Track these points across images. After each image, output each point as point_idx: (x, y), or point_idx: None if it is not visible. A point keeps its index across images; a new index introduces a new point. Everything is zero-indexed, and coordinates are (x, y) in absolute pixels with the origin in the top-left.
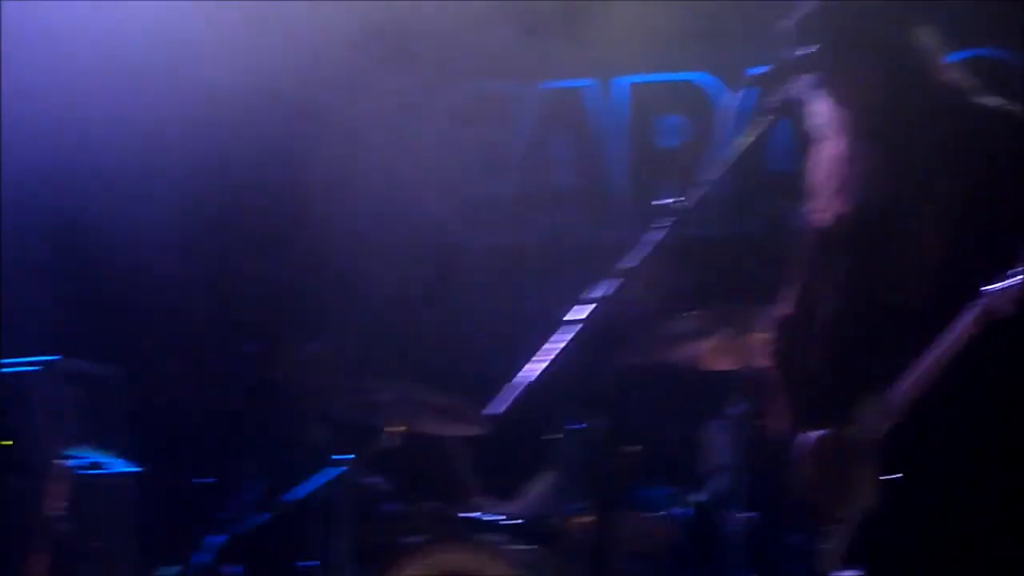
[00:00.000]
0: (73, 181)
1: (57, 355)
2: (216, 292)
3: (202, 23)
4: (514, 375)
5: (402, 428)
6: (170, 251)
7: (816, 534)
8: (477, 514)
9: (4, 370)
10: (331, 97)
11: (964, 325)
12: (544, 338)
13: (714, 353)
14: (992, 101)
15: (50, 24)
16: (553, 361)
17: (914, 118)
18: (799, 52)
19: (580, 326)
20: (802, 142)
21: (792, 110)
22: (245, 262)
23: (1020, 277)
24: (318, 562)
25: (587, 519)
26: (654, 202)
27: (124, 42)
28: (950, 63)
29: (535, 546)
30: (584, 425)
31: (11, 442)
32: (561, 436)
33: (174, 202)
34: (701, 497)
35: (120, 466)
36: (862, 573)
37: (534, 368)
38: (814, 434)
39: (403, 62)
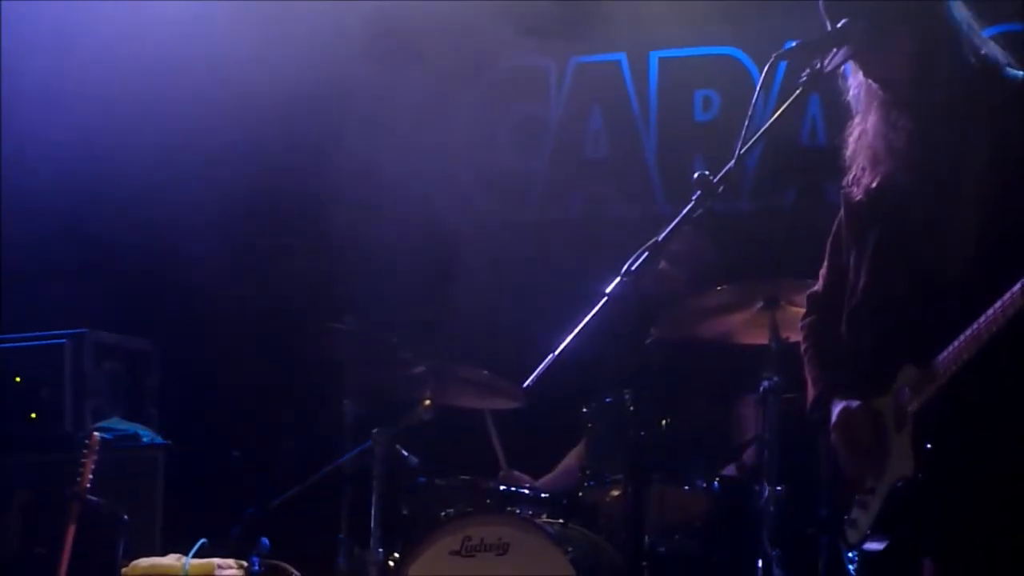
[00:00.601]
0: (104, 164)
1: (88, 328)
2: (249, 268)
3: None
4: (549, 349)
5: (435, 402)
6: (203, 232)
7: (845, 505)
8: (509, 487)
9: (35, 343)
10: (363, 73)
11: (1012, 297)
12: (579, 312)
13: (746, 327)
14: None
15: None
16: (585, 335)
17: (948, 91)
18: (831, 25)
19: (612, 300)
20: (834, 116)
21: (823, 84)
22: (278, 241)
23: None
24: (351, 534)
25: (618, 492)
26: (687, 176)
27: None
28: (984, 36)
29: (567, 519)
30: (616, 398)
31: (35, 415)
32: (593, 409)
33: (209, 184)
34: (732, 470)
35: (152, 439)
36: (888, 544)
37: (567, 342)
38: (848, 404)
39: (436, 40)
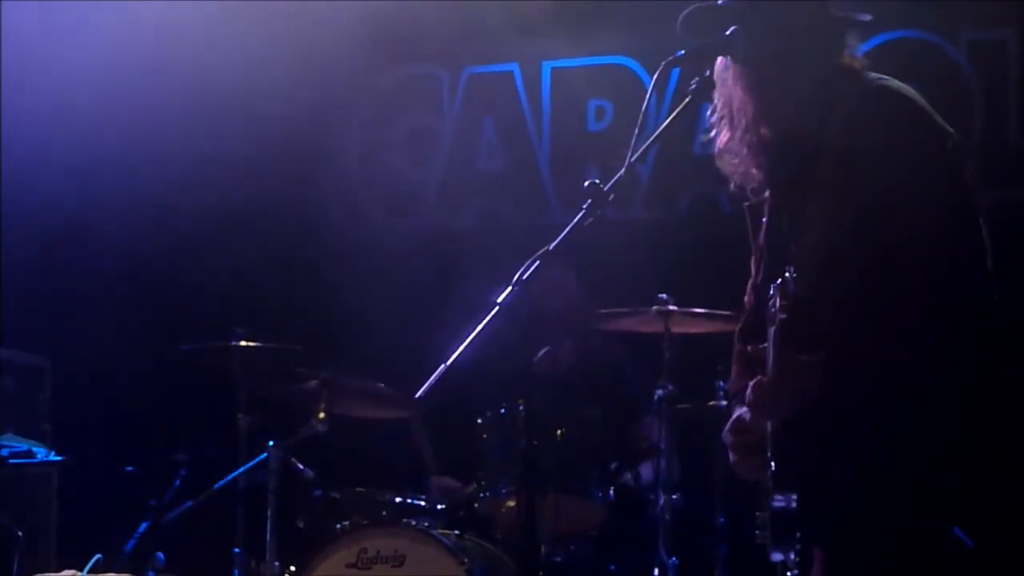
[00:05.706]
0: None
1: None
2: (141, 281)
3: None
4: (441, 359)
5: (331, 414)
6: (97, 247)
7: (744, 515)
8: (404, 498)
9: None
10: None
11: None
12: (473, 323)
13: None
14: (887, 87)
15: (51, 25)
16: (478, 345)
17: (808, 98)
18: (716, 35)
19: (504, 310)
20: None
21: (712, 93)
22: (171, 254)
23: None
24: (246, 548)
25: (513, 502)
26: (581, 186)
27: (123, 41)
28: (855, 50)
29: (463, 530)
30: (510, 409)
31: None
32: (488, 419)
33: (99, 198)
34: (628, 479)
35: (46, 455)
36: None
37: (459, 352)
38: (743, 411)
39: (329, 47)
